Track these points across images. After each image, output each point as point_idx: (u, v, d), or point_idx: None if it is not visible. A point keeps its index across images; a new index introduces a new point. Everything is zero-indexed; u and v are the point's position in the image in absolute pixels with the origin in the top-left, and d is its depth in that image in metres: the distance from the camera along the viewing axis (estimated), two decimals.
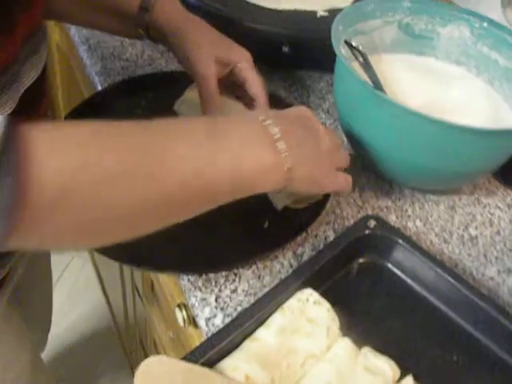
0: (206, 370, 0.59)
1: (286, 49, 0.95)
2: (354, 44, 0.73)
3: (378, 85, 0.78)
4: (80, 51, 1.04)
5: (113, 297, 1.73)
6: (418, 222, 0.82)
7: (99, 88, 0.96)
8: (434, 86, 0.91)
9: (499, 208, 0.87)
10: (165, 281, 0.89)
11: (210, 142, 0.58)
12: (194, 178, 0.56)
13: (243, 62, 0.80)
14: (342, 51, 0.79)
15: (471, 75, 0.94)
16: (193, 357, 0.60)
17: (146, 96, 0.93)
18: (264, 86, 0.81)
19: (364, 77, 0.79)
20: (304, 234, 0.78)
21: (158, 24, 0.82)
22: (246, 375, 0.59)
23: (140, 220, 0.55)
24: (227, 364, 0.61)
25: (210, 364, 0.60)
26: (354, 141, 0.83)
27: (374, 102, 0.76)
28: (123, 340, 1.71)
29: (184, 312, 0.80)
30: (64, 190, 0.48)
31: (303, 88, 1.00)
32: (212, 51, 0.79)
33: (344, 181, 0.71)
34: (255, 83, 0.80)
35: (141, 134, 0.55)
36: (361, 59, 0.74)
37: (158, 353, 1.24)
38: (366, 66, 0.75)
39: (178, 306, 0.80)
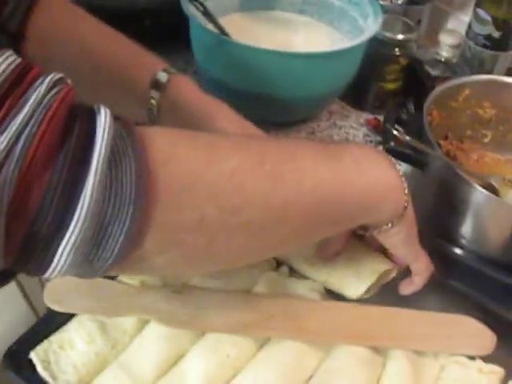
0: (106, 280, 0.68)
1: (147, 22, 1.05)
2: None
3: (223, 32, 0.89)
4: None
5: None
6: None
7: None
8: (282, 34, 1.03)
9: (353, 127, 1.00)
10: None
11: (330, 159, 0.54)
12: (322, 191, 0.52)
13: None
14: (192, 12, 0.90)
15: (314, 20, 1.06)
16: None
17: None
18: None
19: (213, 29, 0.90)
20: None
21: (172, 105, 0.71)
22: (140, 281, 0.69)
23: (262, 232, 0.50)
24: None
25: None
26: (216, 87, 0.94)
27: (221, 47, 0.87)
28: None
29: None
30: (191, 185, 0.45)
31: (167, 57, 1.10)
32: None
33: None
34: None
35: (262, 141, 0.55)
36: (201, 9, 0.85)
37: None
38: (207, 15, 0.86)
39: None
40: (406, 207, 0.58)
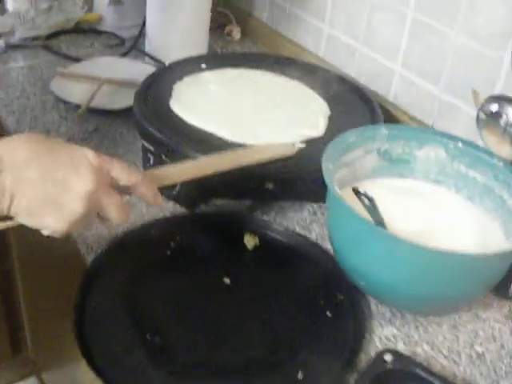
0: None
1: (269, 185, 0.97)
2: (360, 191, 0.75)
3: (380, 222, 0.80)
4: None
5: None
6: (425, 347, 0.84)
7: None
8: (417, 207, 0.94)
9: (498, 321, 0.89)
10: None
11: None
12: None
13: None
14: (337, 189, 0.81)
15: (451, 193, 0.97)
16: None
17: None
18: None
19: (362, 212, 0.81)
20: None
21: None
22: None
23: None
24: None
25: None
26: (353, 272, 0.85)
27: (375, 238, 0.78)
28: None
29: None
30: None
31: (287, 220, 1.02)
32: None
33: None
34: None
35: None
36: (367, 202, 0.76)
37: None
38: (372, 208, 0.78)
39: None
40: None
